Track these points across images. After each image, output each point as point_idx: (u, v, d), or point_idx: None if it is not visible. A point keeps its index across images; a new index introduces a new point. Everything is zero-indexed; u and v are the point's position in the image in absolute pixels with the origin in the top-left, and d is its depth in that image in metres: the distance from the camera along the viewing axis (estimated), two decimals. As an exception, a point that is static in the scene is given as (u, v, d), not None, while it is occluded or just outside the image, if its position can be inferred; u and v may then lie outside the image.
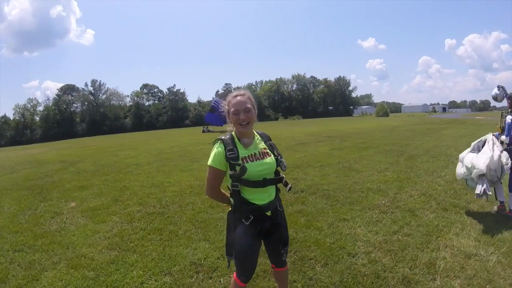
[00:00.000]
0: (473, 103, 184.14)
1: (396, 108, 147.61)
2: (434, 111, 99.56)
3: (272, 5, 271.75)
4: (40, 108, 73.04)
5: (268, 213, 2.14)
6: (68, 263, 3.57)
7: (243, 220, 2.11)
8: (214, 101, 24.77)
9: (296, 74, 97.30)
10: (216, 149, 2.10)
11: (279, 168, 2.24)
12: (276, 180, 2.20)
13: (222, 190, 2.25)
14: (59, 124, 68.78)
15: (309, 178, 6.70)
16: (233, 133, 2.19)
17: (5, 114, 73.56)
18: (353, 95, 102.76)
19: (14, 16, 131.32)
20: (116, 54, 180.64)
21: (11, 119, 71.62)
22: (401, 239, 3.73)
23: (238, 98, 2.12)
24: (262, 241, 2.24)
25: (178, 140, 17.85)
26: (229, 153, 2.06)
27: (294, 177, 6.76)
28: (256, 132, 2.30)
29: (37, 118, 72.57)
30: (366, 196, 5.33)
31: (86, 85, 75.97)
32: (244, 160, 2.08)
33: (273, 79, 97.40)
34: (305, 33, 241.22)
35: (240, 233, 2.11)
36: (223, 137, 2.13)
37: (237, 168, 2.03)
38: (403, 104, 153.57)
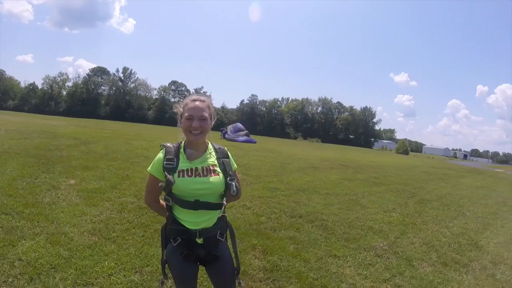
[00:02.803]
0: (495, 154, 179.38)
1: (417, 147, 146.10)
2: (455, 157, 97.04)
3: (308, 24, 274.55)
4: (69, 84, 75.85)
5: (199, 241, 1.87)
6: (48, 238, 3.59)
7: (171, 240, 1.89)
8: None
9: (323, 97, 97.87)
10: (157, 156, 1.91)
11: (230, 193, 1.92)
12: (211, 205, 1.87)
13: (162, 202, 2.01)
14: (84, 102, 71.03)
15: (311, 204, 6.49)
16: (182, 142, 1.96)
17: (34, 82, 76.48)
18: (376, 127, 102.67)
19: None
20: (152, 47, 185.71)
21: (39, 88, 74.41)
22: (389, 290, 3.47)
23: (197, 103, 1.89)
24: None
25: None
26: (166, 162, 1.84)
27: (296, 201, 6.57)
28: (212, 145, 2.04)
29: (64, 93, 75.23)
30: (365, 235, 5.07)
31: (117, 70, 78.88)
32: (181, 173, 1.83)
33: (299, 98, 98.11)
34: (339, 56, 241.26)
35: (169, 253, 1.91)
36: (168, 144, 1.94)
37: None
38: (425, 145, 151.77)
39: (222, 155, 2.00)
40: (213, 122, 1.97)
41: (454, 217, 7.18)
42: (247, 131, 27.44)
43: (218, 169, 1.92)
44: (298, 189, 7.69)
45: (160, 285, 2.08)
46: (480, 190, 12.32)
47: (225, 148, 2.07)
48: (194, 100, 1.92)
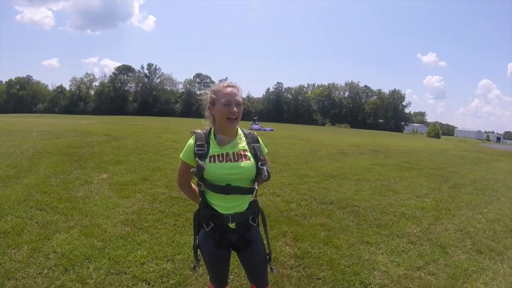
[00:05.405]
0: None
1: (449, 130, 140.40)
2: (488, 140, 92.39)
3: (331, 8, 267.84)
4: (96, 83, 79.35)
5: (231, 226, 1.87)
6: (82, 230, 3.70)
7: (204, 225, 1.90)
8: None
9: (350, 81, 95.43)
10: (188, 142, 1.92)
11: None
12: (243, 189, 1.87)
13: (194, 186, 2.03)
14: (112, 100, 73.61)
15: (342, 191, 6.36)
16: (212, 128, 1.96)
17: (61, 85, 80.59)
18: (406, 110, 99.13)
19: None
20: (174, 41, 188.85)
21: (67, 89, 78.09)
22: (423, 277, 3.33)
23: (230, 89, 1.89)
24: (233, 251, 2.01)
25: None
26: (197, 148, 1.85)
27: (326, 187, 6.47)
28: (242, 130, 2.03)
29: (92, 92, 78.67)
30: (398, 221, 4.91)
31: (142, 67, 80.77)
32: (212, 158, 1.83)
33: (325, 83, 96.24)
34: (363, 39, 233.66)
35: (201, 238, 1.93)
36: (198, 131, 1.94)
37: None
38: (456, 128, 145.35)
39: (252, 140, 1.99)
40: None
41: (488, 202, 6.81)
42: (255, 118, 28.61)
43: (249, 154, 1.92)
44: (328, 176, 7.56)
45: (192, 270, 2.13)
46: (515, 174, 11.64)
47: (255, 133, 2.06)
48: (228, 86, 1.91)
